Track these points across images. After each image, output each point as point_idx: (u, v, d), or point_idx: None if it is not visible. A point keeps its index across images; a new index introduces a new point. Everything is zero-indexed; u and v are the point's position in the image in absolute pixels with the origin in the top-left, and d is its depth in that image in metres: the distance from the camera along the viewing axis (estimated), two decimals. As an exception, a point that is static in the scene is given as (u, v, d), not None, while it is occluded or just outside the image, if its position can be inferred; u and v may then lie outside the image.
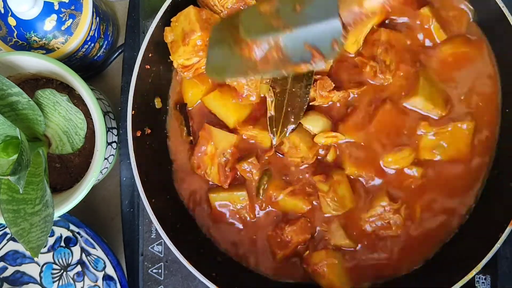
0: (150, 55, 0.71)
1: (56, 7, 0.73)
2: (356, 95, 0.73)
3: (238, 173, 0.75)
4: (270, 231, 0.74)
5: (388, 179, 0.72)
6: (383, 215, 0.72)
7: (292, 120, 0.70)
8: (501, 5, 0.67)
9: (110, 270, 0.75)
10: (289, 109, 0.71)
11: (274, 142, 0.71)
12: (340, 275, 0.71)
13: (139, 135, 0.71)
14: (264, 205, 0.74)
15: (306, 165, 0.73)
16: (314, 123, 0.72)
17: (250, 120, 0.75)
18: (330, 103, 0.73)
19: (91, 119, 0.69)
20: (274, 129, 0.71)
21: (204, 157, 0.74)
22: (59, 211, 0.67)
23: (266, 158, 0.74)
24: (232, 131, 0.74)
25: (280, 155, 0.74)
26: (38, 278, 0.77)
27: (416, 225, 0.72)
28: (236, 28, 0.61)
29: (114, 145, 0.78)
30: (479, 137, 0.72)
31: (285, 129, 0.70)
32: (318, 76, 0.72)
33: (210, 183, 0.75)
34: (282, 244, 0.73)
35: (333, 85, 0.72)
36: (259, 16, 0.59)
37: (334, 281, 0.71)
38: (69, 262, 0.77)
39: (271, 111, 0.71)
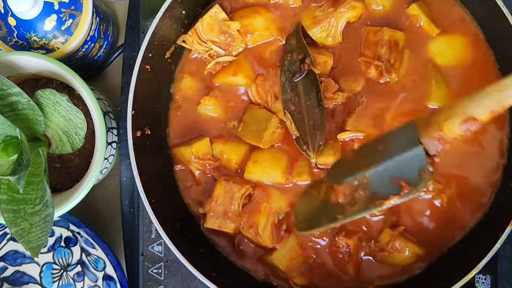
0: (150, 55, 0.71)
1: (56, 7, 0.73)
2: (359, 94, 0.73)
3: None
4: (328, 249, 0.73)
5: None
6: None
7: (318, 132, 0.70)
8: (501, 4, 0.67)
9: (110, 270, 0.75)
10: (311, 123, 0.70)
11: (313, 161, 0.70)
12: (412, 242, 0.71)
13: (139, 135, 0.71)
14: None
15: None
16: None
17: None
18: (335, 104, 0.73)
19: (91, 119, 0.69)
20: (304, 147, 0.70)
21: (258, 215, 0.71)
22: (59, 211, 0.67)
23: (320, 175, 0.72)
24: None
25: (323, 168, 0.72)
26: (38, 278, 0.77)
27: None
28: (322, 185, 0.62)
29: (114, 145, 0.78)
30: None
31: (316, 143, 0.70)
32: (322, 79, 0.72)
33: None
34: (346, 257, 0.72)
35: (337, 86, 0.72)
36: (344, 163, 0.62)
37: (414, 248, 0.70)
38: (69, 262, 0.77)
39: (294, 133, 0.71)
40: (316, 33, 0.73)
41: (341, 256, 0.72)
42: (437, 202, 0.71)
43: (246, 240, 0.74)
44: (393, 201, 0.53)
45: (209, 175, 0.75)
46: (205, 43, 0.75)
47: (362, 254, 0.72)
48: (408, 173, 0.52)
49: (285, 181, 0.72)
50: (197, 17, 0.76)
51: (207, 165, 0.74)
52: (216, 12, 0.73)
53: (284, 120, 0.72)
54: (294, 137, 0.71)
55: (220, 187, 0.72)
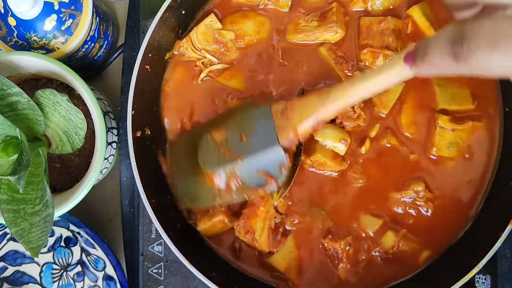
0: (150, 55, 0.71)
1: (56, 7, 0.73)
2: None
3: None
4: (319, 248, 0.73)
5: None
6: (414, 200, 0.71)
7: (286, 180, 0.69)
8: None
9: (110, 270, 0.75)
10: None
11: (275, 204, 0.70)
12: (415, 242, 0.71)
13: (139, 135, 0.71)
14: None
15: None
16: (330, 137, 0.71)
17: None
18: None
19: (91, 119, 0.69)
20: None
21: (254, 220, 0.71)
22: (59, 211, 0.67)
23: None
24: None
25: (281, 215, 0.71)
26: (38, 278, 0.77)
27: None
28: (194, 152, 0.67)
29: (114, 145, 0.78)
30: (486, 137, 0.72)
31: (281, 189, 0.69)
32: None
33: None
34: (335, 259, 0.72)
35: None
36: (212, 145, 0.66)
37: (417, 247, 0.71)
38: (69, 262, 0.77)
39: None
40: (294, 39, 0.74)
41: (328, 259, 0.72)
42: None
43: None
44: (261, 192, 0.63)
45: None
46: (199, 51, 0.75)
47: (361, 257, 0.72)
48: (271, 167, 0.61)
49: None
50: (190, 24, 0.77)
51: None
52: (211, 22, 0.74)
53: None
54: None
55: None
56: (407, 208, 0.71)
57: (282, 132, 0.59)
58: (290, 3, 0.75)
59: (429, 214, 0.71)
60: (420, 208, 0.71)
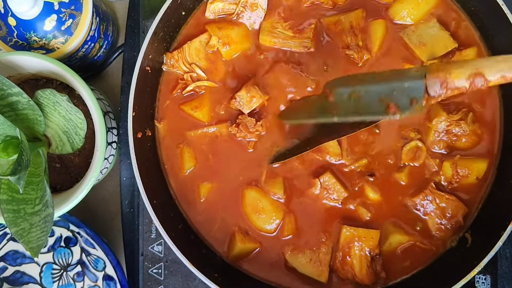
0: (150, 57, 0.71)
1: (56, 7, 0.73)
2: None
3: None
4: None
5: None
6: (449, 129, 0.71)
7: None
8: (501, 3, 0.67)
9: (110, 270, 0.75)
10: None
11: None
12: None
13: (140, 136, 0.71)
14: None
15: None
16: None
17: None
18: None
19: (91, 119, 0.69)
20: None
21: (352, 261, 0.72)
22: (59, 211, 0.67)
23: None
24: None
25: None
26: (38, 278, 0.77)
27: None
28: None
29: (114, 145, 0.78)
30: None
31: None
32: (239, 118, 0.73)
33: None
34: None
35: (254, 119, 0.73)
36: (350, 79, 0.62)
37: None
38: (69, 262, 0.77)
39: None
40: (266, 42, 0.75)
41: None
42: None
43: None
44: (375, 119, 0.59)
45: None
46: (190, 65, 0.75)
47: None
48: (400, 97, 0.55)
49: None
50: (178, 32, 0.77)
51: None
52: (206, 39, 0.75)
53: None
54: None
55: None
56: None
57: (433, 73, 0.53)
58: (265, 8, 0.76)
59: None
60: None
